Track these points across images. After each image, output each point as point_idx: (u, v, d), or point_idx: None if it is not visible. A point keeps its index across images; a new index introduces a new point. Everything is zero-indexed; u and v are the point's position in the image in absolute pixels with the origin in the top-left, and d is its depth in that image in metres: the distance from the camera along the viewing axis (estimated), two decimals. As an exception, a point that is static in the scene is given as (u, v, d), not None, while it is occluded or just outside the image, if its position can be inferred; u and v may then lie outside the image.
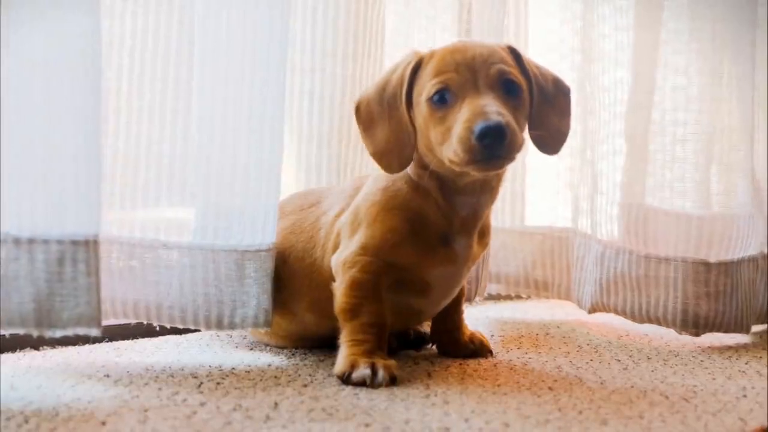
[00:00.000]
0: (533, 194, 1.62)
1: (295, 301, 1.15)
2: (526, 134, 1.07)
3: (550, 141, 1.10)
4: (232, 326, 1.12)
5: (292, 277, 1.15)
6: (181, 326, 1.13)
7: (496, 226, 1.48)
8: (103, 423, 0.84)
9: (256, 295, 1.12)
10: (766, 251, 1.46)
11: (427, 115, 1.03)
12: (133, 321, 1.13)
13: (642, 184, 1.44)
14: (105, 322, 1.22)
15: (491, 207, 1.13)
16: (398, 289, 1.09)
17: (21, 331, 0.95)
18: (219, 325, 1.12)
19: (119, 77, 1.12)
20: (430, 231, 1.08)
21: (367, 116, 1.09)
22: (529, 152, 1.58)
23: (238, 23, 1.09)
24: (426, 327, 1.27)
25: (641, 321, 1.40)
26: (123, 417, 0.87)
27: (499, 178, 1.10)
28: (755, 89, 1.54)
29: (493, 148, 0.96)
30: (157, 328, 1.18)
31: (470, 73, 1.01)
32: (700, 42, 1.41)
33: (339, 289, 1.08)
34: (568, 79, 1.52)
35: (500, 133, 0.96)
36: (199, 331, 1.27)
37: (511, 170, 1.56)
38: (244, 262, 1.12)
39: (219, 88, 1.10)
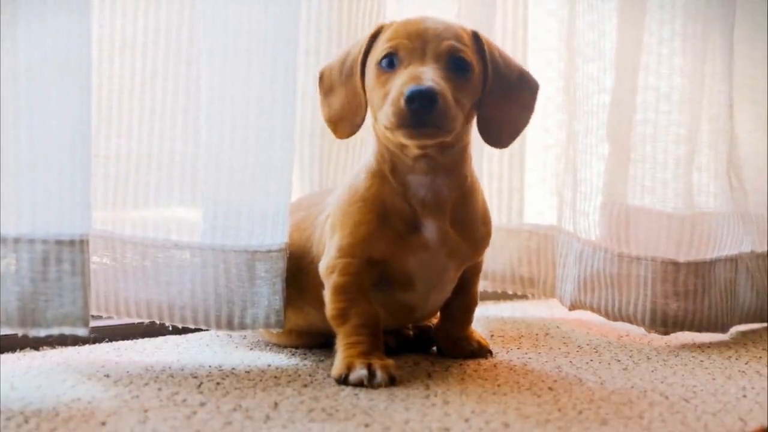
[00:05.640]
0: (526, 192, 1.61)
1: (300, 296, 1.15)
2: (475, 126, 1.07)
3: (499, 130, 1.09)
4: (243, 327, 1.13)
5: (297, 273, 1.15)
6: (192, 326, 1.14)
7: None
8: (103, 423, 0.84)
9: (267, 295, 1.12)
10: (765, 250, 1.46)
11: (373, 79, 1.04)
12: (146, 320, 1.14)
13: (624, 184, 1.43)
14: (107, 322, 1.24)
15: (469, 198, 1.11)
16: (383, 285, 1.09)
17: (5, 330, 0.96)
18: (230, 326, 1.12)
19: (132, 77, 1.12)
20: (395, 217, 1.07)
21: (328, 84, 1.11)
22: (527, 152, 1.59)
23: (245, 20, 1.09)
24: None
25: (615, 319, 1.40)
26: (123, 417, 0.87)
27: (453, 159, 1.08)
28: (749, 89, 1.54)
29: (421, 114, 0.97)
30: (169, 326, 1.18)
31: (421, 42, 1.02)
32: (682, 42, 1.40)
33: (326, 295, 1.08)
34: (562, 77, 1.53)
35: (430, 98, 0.96)
36: (200, 330, 1.26)
37: (508, 167, 1.58)
38: (255, 262, 1.11)
39: (227, 87, 1.10)
